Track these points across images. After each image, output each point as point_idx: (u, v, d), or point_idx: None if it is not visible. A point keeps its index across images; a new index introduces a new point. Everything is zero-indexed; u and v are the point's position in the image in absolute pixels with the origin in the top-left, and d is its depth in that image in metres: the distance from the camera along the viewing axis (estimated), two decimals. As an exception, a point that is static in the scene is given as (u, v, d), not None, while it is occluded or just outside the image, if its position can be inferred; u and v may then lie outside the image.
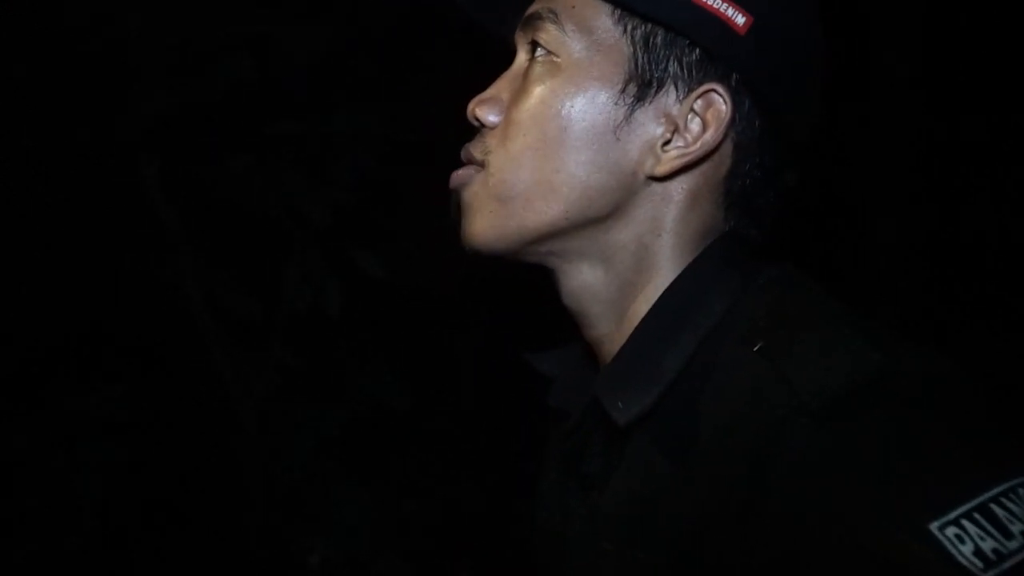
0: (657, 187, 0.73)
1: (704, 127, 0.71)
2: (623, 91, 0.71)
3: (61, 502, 2.72)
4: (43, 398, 2.73)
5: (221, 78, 2.54)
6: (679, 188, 0.73)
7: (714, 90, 0.71)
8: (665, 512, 0.67)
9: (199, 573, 2.79)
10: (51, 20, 2.48)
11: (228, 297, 2.72)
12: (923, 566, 0.50)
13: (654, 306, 0.73)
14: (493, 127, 0.76)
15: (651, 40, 0.71)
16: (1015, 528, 0.50)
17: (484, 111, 0.76)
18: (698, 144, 0.71)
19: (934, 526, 0.50)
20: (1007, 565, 0.49)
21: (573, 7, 0.72)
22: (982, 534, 0.50)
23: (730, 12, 0.69)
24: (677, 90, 0.71)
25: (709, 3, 0.69)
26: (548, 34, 0.72)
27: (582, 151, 0.71)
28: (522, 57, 0.77)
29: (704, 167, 0.72)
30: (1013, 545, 0.50)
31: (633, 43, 0.71)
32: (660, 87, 0.71)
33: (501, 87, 0.77)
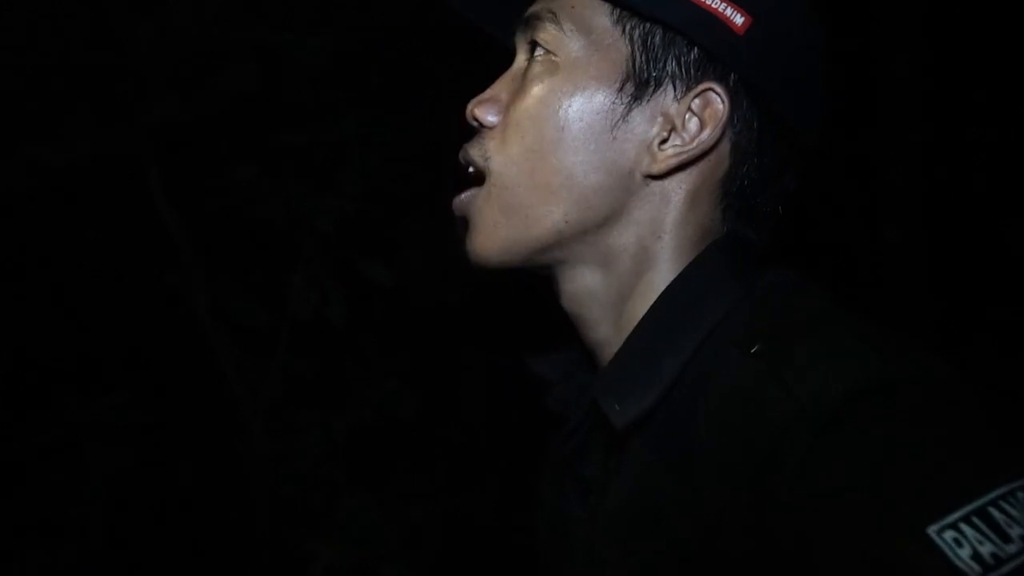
0: (655, 187, 0.72)
1: (701, 126, 0.71)
2: (620, 90, 0.71)
3: (68, 507, 2.72)
4: (51, 404, 2.74)
5: (227, 88, 2.56)
6: (677, 188, 0.72)
7: (712, 89, 0.70)
8: (666, 518, 0.66)
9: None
10: (59, 30, 2.50)
11: (234, 305, 2.73)
12: (921, 570, 0.50)
13: (652, 308, 0.72)
14: (492, 127, 0.75)
15: (649, 39, 0.70)
16: (1013, 532, 0.50)
17: (483, 111, 0.75)
18: (695, 143, 0.70)
19: (932, 530, 0.50)
20: (1005, 569, 0.49)
21: (572, 7, 0.72)
22: (980, 538, 0.50)
23: (729, 12, 0.69)
24: (675, 89, 0.71)
25: (708, 3, 0.69)
26: (547, 33, 0.72)
27: (579, 151, 0.71)
28: (521, 58, 0.76)
29: (702, 166, 0.72)
30: (1011, 549, 0.50)
31: (632, 42, 0.71)
32: (658, 86, 0.71)
33: (500, 87, 0.76)
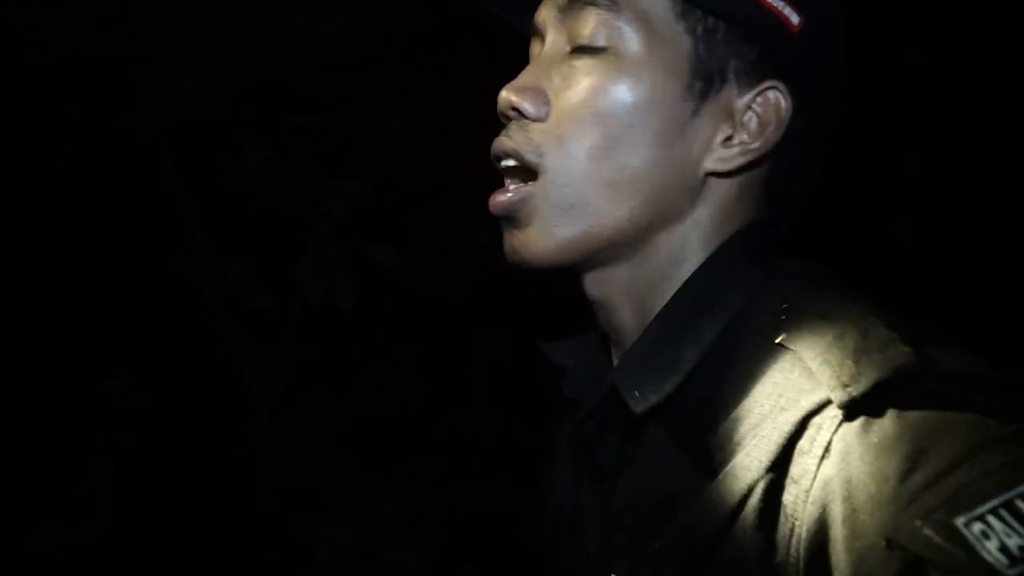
0: (714, 184, 0.72)
1: (761, 124, 0.71)
2: (689, 87, 0.69)
3: (75, 490, 2.74)
4: (59, 387, 2.75)
5: (240, 72, 2.55)
6: (732, 185, 0.72)
7: (775, 88, 0.70)
8: (683, 505, 0.66)
9: (209, 562, 2.80)
10: (72, 11, 2.50)
11: (243, 288, 2.73)
12: (949, 561, 0.49)
13: (675, 295, 0.72)
14: (536, 119, 0.71)
15: (714, 35, 0.69)
16: None
17: (527, 101, 0.71)
18: (759, 141, 0.71)
19: (960, 522, 0.50)
20: None
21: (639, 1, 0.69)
22: (1008, 530, 0.49)
23: (787, 11, 0.69)
24: (738, 86, 0.70)
25: (769, 0, 0.69)
26: (608, 24, 0.69)
27: (649, 149, 0.69)
28: (558, 42, 0.73)
29: (759, 165, 0.72)
30: None
31: (695, 37, 0.69)
32: (723, 83, 0.70)
33: (539, 74, 0.73)
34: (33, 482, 2.70)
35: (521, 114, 0.72)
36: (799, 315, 0.65)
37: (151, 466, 2.79)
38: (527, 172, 0.72)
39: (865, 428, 0.56)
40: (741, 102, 0.71)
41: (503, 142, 0.73)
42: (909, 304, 3.11)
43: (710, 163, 0.71)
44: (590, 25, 0.70)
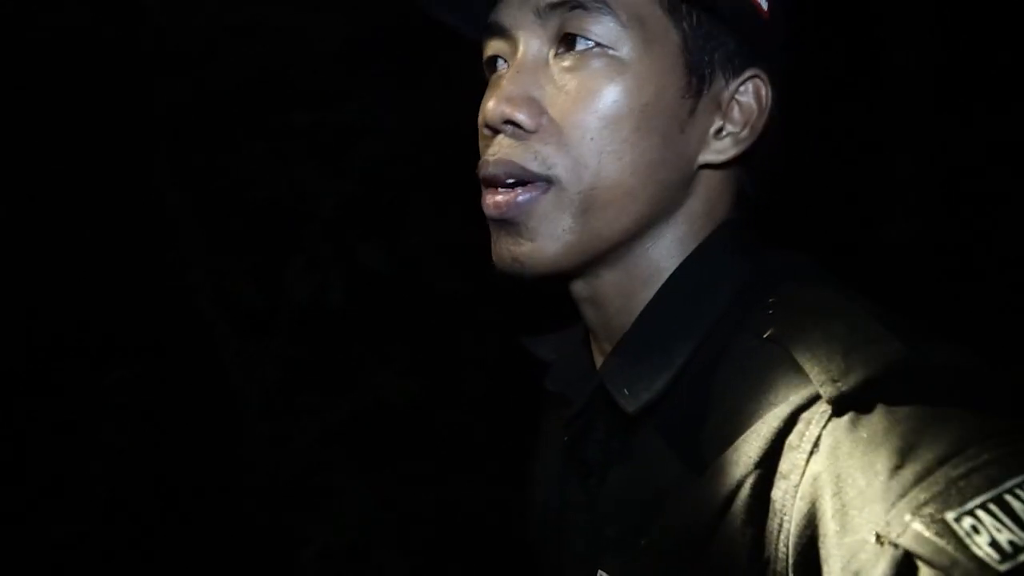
0: (706, 175, 0.72)
1: (745, 113, 0.71)
2: (688, 84, 0.69)
3: (67, 486, 2.73)
4: (50, 383, 2.74)
5: (233, 67, 2.55)
6: (723, 174, 0.73)
7: (757, 75, 0.71)
8: (672, 501, 0.66)
9: (198, 559, 2.79)
10: (70, 9, 2.49)
11: (234, 286, 2.72)
12: (939, 556, 0.49)
13: (661, 290, 0.72)
14: (535, 130, 0.68)
15: (699, 29, 0.69)
16: None
17: (522, 113, 0.68)
18: (747, 130, 0.71)
19: (950, 516, 0.50)
20: (1023, 557, 0.49)
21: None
22: (998, 525, 0.49)
23: None
24: (724, 78, 0.70)
25: None
26: (602, 26, 0.67)
27: (655, 149, 0.68)
28: (538, 47, 0.70)
29: (749, 150, 0.72)
30: None
31: (683, 32, 0.68)
32: (712, 76, 0.70)
33: (526, 83, 0.69)
34: (26, 476, 2.69)
35: (517, 126, 0.69)
36: (788, 309, 0.65)
37: (140, 464, 2.78)
38: (531, 183, 0.69)
39: (854, 423, 0.56)
40: (727, 93, 0.71)
41: (503, 158, 0.69)
42: (904, 302, 3.11)
43: (705, 156, 0.71)
44: (582, 28, 0.67)
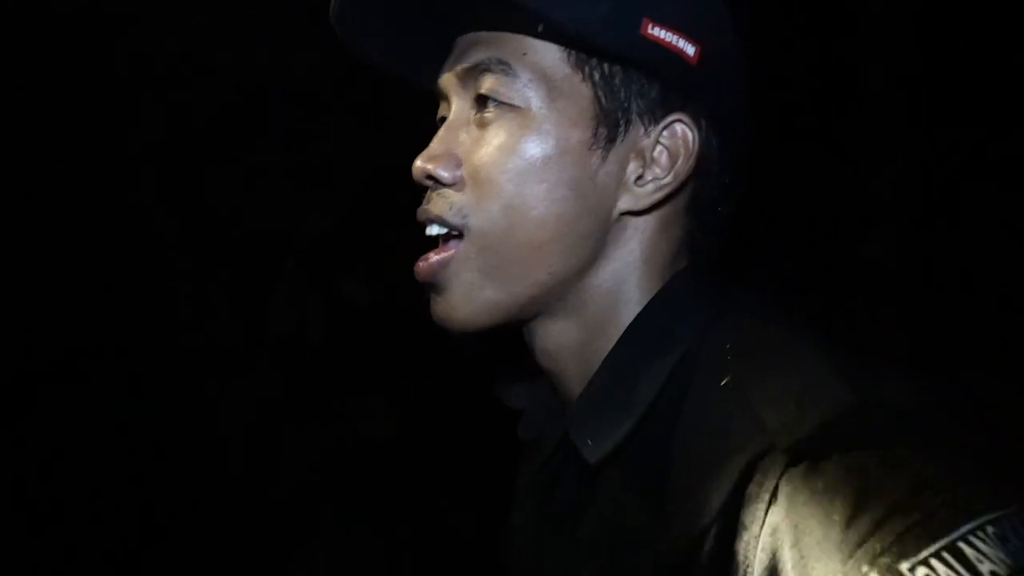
0: (630, 222, 0.72)
1: (672, 158, 0.71)
2: (595, 135, 0.70)
3: (45, 533, 2.68)
4: (29, 415, 2.71)
5: (208, 104, 2.55)
6: (651, 220, 0.72)
7: (680, 120, 0.71)
8: (640, 547, 0.66)
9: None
10: (57, 26, 2.49)
11: (213, 323, 2.71)
12: None
13: (620, 340, 0.72)
14: (451, 184, 0.71)
15: (612, 80, 0.70)
16: (984, 568, 0.50)
17: (440, 168, 0.72)
18: (670, 175, 0.71)
19: (904, 567, 0.50)
20: None
21: (524, 54, 0.70)
22: (952, 574, 0.50)
23: (681, 44, 0.69)
24: (644, 124, 0.71)
25: (662, 37, 0.68)
26: (504, 86, 0.69)
27: (564, 202, 0.69)
28: (463, 107, 0.74)
29: (676, 196, 0.72)
30: None
31: (593, 84, 0.69)
32: (628, 125, 0.70)
33: (449, 140, 0.73)
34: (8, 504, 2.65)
35: (437, 181, 0.72)
36: (746, 356, 0.66)
37: (122, 496, 2.74)
38: (450, 237, 0.73)
39: (809, 472, 0.56)
40: (649, 139, 0.71)
41: (426, 210, 0.73)
42: (887, 315, 3.12)
43: (625, 203, 0.71)
44: (490, 89, 0.70)
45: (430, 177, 0.73)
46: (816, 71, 2.97)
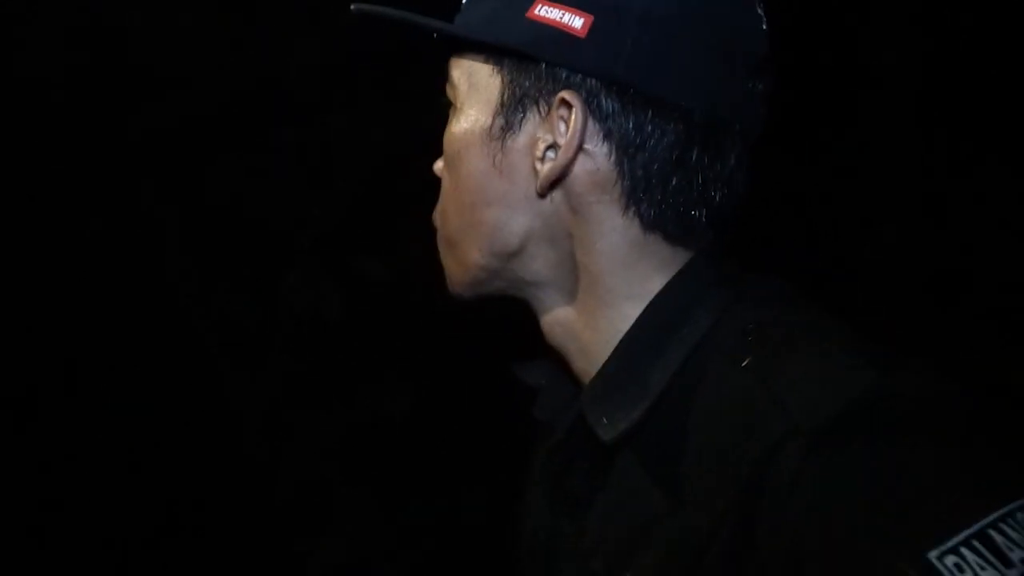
0: (548, 204, 0.73)
1: (565, 132, 0.70)
2: (491, 126, 0.73)
3: (60, 506, 2.71)
4: (44, 401, 2.73)
5: (222, 85, 2.54)
6: (581, 201, 0.72)
7: (564, 96, 0.70)
8: (655, 533, 0.65)
9: (196, 573, 2.78)
10: (57, 24, 2.49)
11: (229, 302, 2.72)
12: None
13: (638, 320, 0.71)
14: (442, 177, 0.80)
15: (504, 67, 0.73)
16: (1014, 555, 0.49)
17: (437, 165, 0.81)
18: (562, 149, 0.70)
19: (933, 555, 0.49)
20: None
21: (460, 57, 0.76)
22: (981, 563, 0.48)
23: (566, 19, 0.69)
24: (538, 107, 0.71)
25: (544, 15, 0.70)
26: (450, 86, 0.77)
27: (474, 191, 0.74)
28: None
29: (578, 171, 0.71)
30: (1012, 573, 0.49)
31: (500, 75, 0.73)
32: (526, 109, 0.72)
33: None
34: (17, 500, 2.68)
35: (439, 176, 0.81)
36: (766, 339, 0.65)
37: (139, 482, 2.77)
38: None
39: (832, 457, 0.55)
40: (546, 121, 0.71)
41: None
42: (891, 311, 3.12)
43: (538, 186, 0.72)
44: (447, 88, 0.78)
45: (435, 172, 0.82)
46: (817, 67, 2.94)
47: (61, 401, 2.74)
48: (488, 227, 0.74)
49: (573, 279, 0.74)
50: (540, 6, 0.70)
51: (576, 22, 0.69)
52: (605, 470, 0.72)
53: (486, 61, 0.74)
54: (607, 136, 0.70)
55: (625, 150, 0.70)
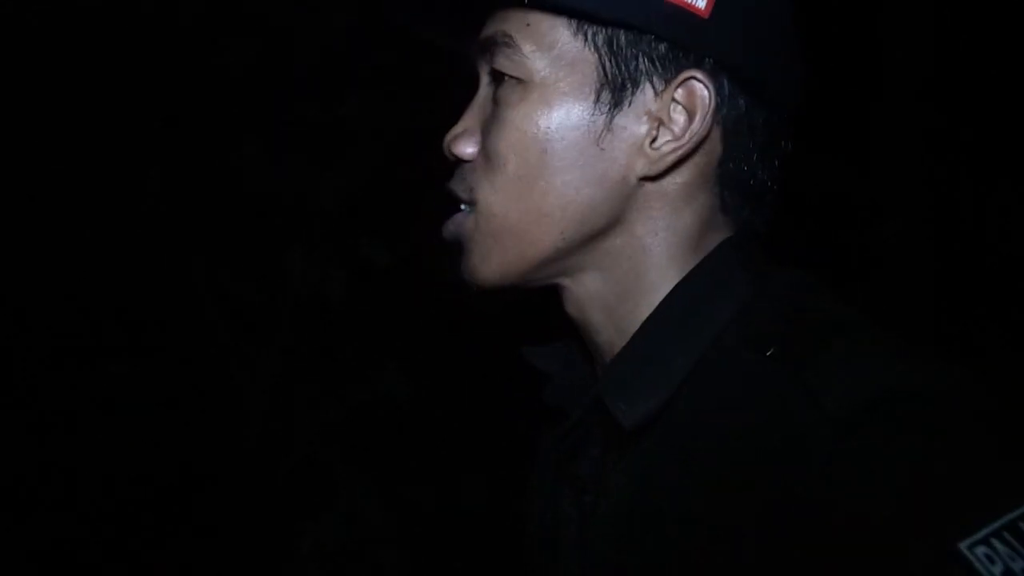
0: (651, 187, 0.70)
1: (690, 117, 0.69)
2: (597, 100, 0.69)
3: (61, 479, 2.73)
4: (48, 381, 2.74)
5: (233, 64, 2.54)
6: (674, 183, 0.70)
7: (693, 78, 0.68)
8: (669, 518, 0.64)
9: (197, 553, 2.79)
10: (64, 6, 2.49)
11: (234, 282, 2.72)
12: None
13: (660, 306, 0.70)
14: (472, 160, 0.73)
15: (615, 43, 0.68)
16: None
17: (459, 146, 0.74)
18: (687, 135, 0.68)
19: (963, 546, 0.49)
20: None
21: (528, 25, 0.69)
22: (1012, 554, 0.48)
23: None
24: (654, 86, 0.68)
25: None
26: (507, 59, 0.70)
27: (567, 171, 0.69)
28: (485, 82, 0.74)
29: (696, 158, 0.70)
30: None
31: (597, 49, 0.68)
32: (636, 87, 0.68)
33: (471, 118, 0.75)
34: (20, 471, 2.68)
35: (459, 158, 0.74)
36: (791, 328, 0.64)
37: (137, 459, 2.78)
38: (469, 205, 0.75)
39: (861, 448, 0.54)
40: (662, 101, 0.69)
41: (447, 187, 0.76)
42: (901, 305, 3.11)
43: (641, 168, 0.69)
44: (499, 63, 0.71)
45: (454, 155, 0.75)
46: (829, 63, 2.92)
47: (63, 375, 2.74)
48: (580, 208, 0.69)
49: (628, 259, 0.72)
50: None
51: (700, 3, 0.67)
52: (619, 457, 0.71)
53: (579, 34, 0.69)
54: (722, 123, 0.70)
55: (734, 138, 0.70)
